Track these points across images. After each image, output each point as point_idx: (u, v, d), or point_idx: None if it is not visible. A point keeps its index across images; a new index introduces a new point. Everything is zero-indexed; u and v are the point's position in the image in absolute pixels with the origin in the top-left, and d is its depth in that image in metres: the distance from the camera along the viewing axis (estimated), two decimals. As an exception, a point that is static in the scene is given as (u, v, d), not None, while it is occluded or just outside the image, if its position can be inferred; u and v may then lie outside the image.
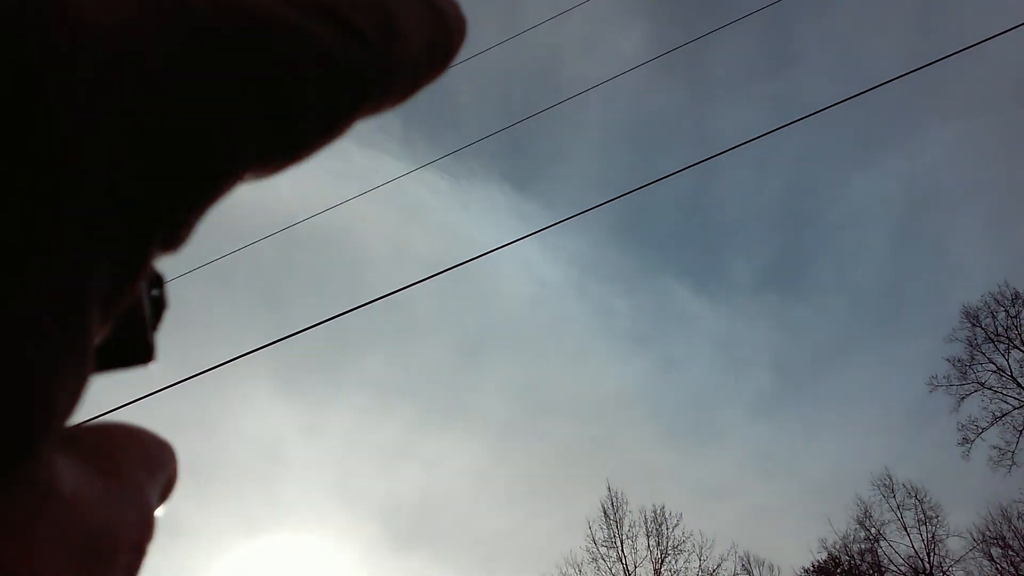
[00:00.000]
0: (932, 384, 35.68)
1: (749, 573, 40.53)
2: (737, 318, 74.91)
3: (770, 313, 74.67)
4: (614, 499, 38.49)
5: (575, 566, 37.38)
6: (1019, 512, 33.27)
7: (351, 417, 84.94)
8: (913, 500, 37.45)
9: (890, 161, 66.86)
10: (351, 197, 12.19)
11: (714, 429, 67.17)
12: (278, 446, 77.20)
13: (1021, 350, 33.83)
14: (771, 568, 41.54)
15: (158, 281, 0.24)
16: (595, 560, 37.19)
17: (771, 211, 74.45)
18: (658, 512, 37.93)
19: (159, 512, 0.25)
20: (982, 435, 33.95)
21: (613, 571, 36.75)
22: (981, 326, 34.93)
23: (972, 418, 34.38)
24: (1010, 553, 32.83)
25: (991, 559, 33.43)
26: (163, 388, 8.58)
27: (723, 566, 36.88)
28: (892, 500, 39.97)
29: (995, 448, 33.70)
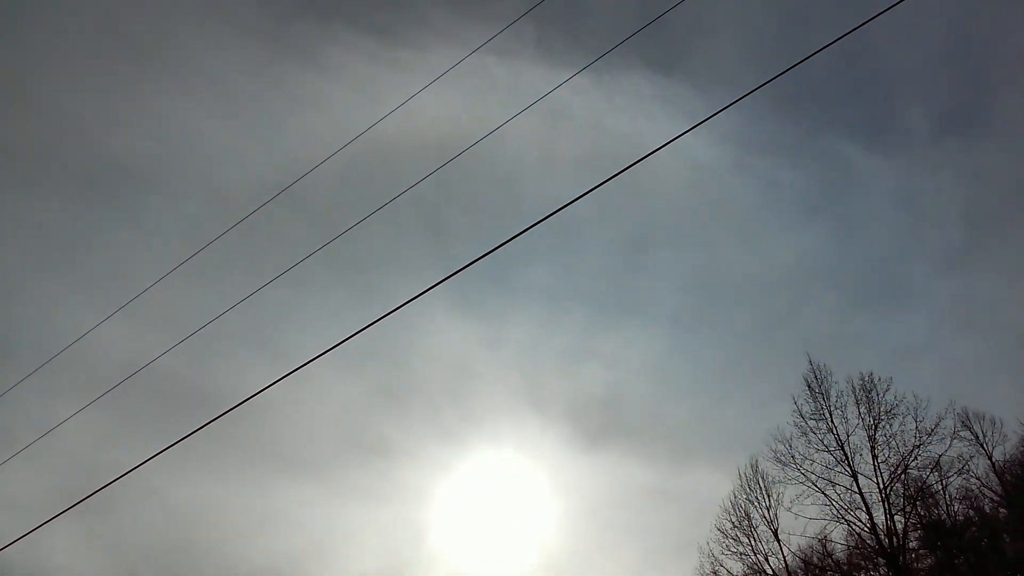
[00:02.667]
0: None
1: (970, 429, 38.90)
2: (917, 171, 68.72)
3: (953, 160, 67.79)
4: (817, 372, 37.83)
5: (784, 442, 37.47)
6: None
7: (528, 326, 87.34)
8: None
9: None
10: (500, 124, 12.29)
11: (904, 288, 63.24)
12: (466, 363, 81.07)
13: None
14: (992, 422, 39.60)
15: None
16: (804, 434, 37.13)
17: (942, 49, 66.52)
18: (866, 379, 36.93)
19: None
20: None
21: (825, 442, 36.56)
22: None
23: None
24: None
25: None
26: (357, 332, 9.25)
27: (942, 424, 35.58)
28: None
29: None
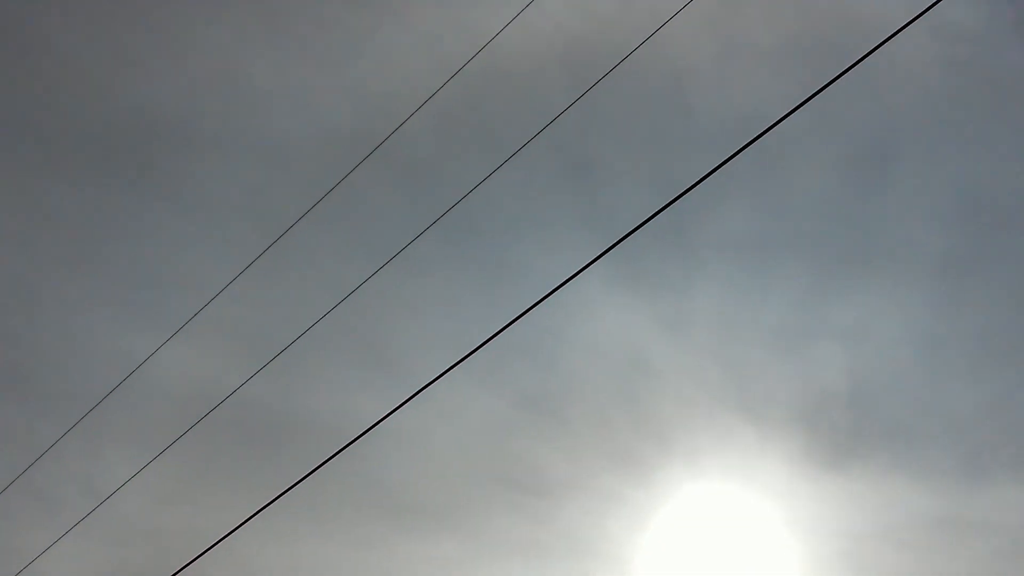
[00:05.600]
0: None
1: None
2: None
3: None
4: None
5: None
6: None
7: (723, 296, 78.27)
8: None
9: None
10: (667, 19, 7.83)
11: None
12: (639, 355, 73.34)
13: None
14: None
15: None
16: None
17: None
18: None
19: None
20: None
21: None
22: None
23: None
24: None
25: None
26: (495, 335, 5.68)
27: None
28: None
29: None
